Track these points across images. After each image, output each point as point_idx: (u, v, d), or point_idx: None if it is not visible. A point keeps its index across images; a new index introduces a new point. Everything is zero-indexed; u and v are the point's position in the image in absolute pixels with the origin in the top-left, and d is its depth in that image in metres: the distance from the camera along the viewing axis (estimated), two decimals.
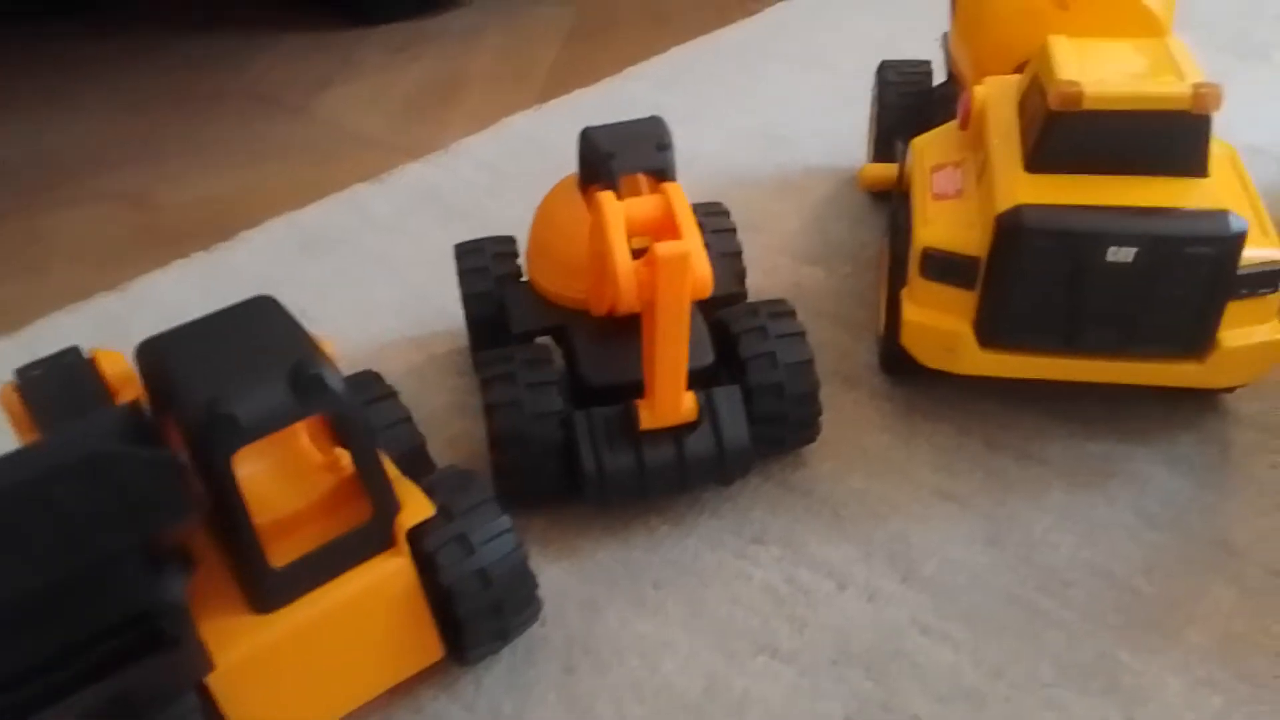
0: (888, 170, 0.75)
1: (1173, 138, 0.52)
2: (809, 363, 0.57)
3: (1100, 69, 0.54)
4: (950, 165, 0.62)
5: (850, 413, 0.65)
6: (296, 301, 0.84)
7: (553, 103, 1.08)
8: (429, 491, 0.46)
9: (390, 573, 0.44)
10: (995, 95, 0.61)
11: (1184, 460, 0.60)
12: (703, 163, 0.94)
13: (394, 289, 0.80)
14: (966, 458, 0.61)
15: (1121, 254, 0.52)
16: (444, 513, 0.46)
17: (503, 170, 0.96)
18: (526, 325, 0.61)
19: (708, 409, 0.55)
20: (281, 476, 0.45)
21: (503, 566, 0.46)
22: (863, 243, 0.81)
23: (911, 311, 0.59)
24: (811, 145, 0.96)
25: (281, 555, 0.43)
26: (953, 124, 0.64)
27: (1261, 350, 0.55)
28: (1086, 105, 0.52)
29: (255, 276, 0.83)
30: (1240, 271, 0.53)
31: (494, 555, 0.46)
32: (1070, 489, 0.59)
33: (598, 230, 0.51)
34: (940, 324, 0.58)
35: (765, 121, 1.01)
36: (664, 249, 0.47)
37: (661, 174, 0.56)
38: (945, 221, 0.58)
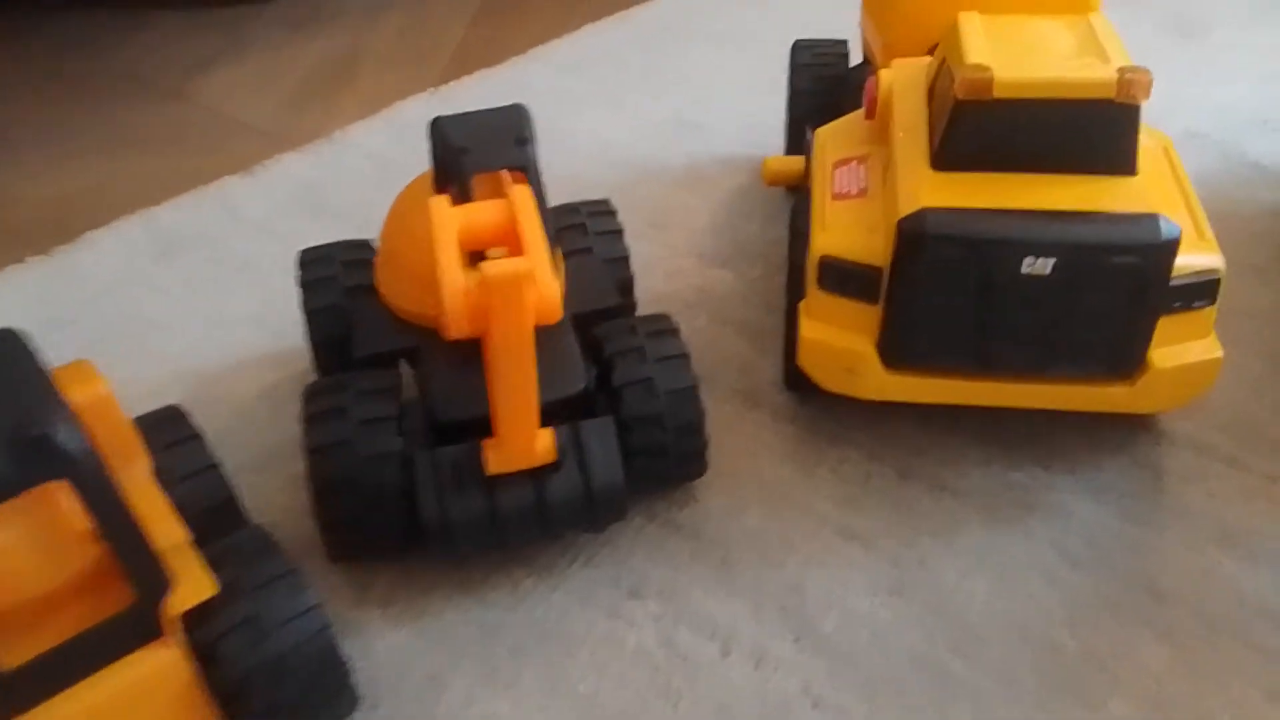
0: (793, 164, 0.67)
1: (1096, 131, 0.46)
2: (692, 389, 0.50)
3: (1016, 52, 0.47)
4: (854, 160, 0.55)
5: (749, 437, 0.58)
6: (144, 311, 0.75)
7: (451, 85, 0.99)
8: (217, 562, 0.39)
9: (156, 668, 0.36)
10: (903, 81, 0.54)
11: (1111, 489, 0.54)
12: (608, 153, 0.86)
13: (256, 297, 0.72)
14: (875, 490, 0.55)
15: (1038, 265, 0.45)
16: (230, 590, 0.38)
17: (390, 162, 0.87)
18: (371, 348, 0.52)
19: (573, 446, 0.48)
20: (28, 550, 0.37)
21: (305, 653, 0.38)
22: (775, 241, 0.74)
23: (809, 328, 0.52)
24: (728, 133, 0.89)
25: (16, 651, 0.35)
26: (859, 113, 0.57)
27: (1197, 370, 0.49)
28: (998, 94, 0.45)
29: (99, 284, 0.74)
30: (1173, 282, 0.47)
31: (293, 639, 0.38)
32: (987, 525, 0.53)
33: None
34: (840, 342, 0.51)
35: (679, 107, 0.93)
36: (495, 269, 0.39)
37: (523, 172, 0.49)
38: (845, 225, 0.51)
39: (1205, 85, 0.93)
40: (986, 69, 0.45)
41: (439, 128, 0.50)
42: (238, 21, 1.20)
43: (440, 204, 0.43)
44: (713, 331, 0.66)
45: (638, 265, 0.65)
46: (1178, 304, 0.48)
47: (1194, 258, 0.48)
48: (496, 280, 0.39)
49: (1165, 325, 0.48)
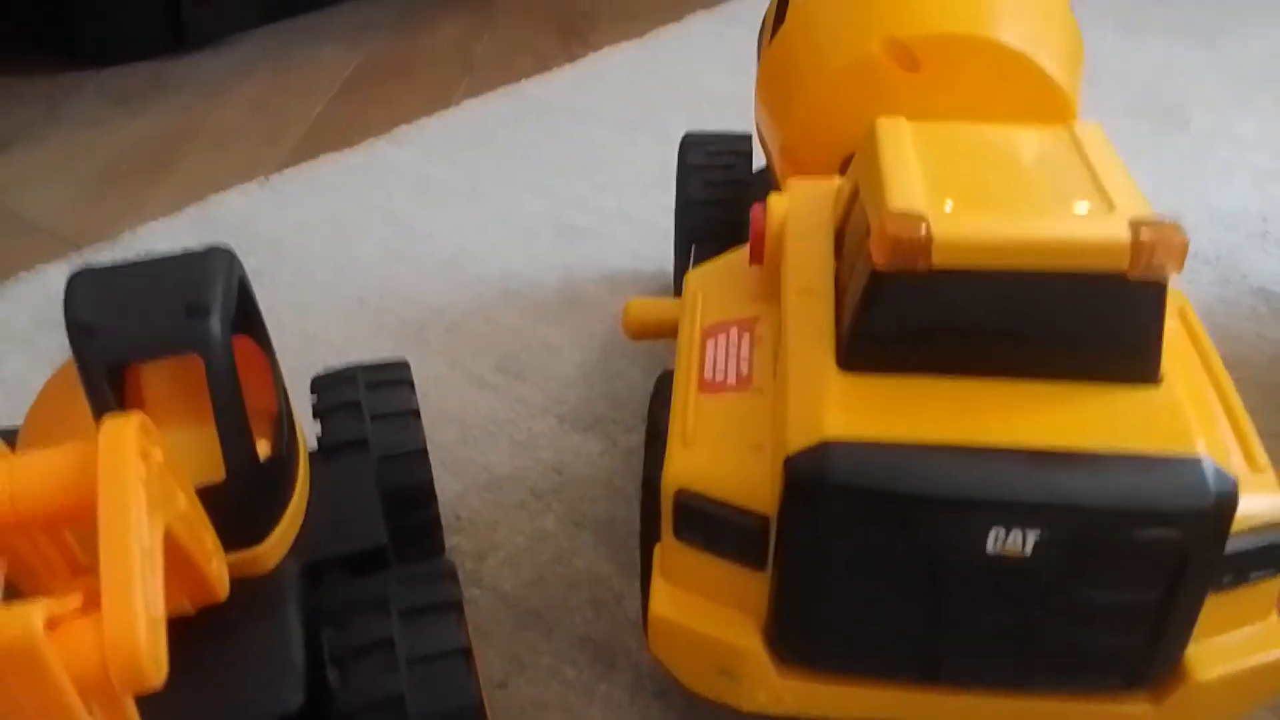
0: (667, 311, 0.49)
1: (1098, 321, 0.29)
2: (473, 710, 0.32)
3: (966, 186, 0.30)
4: (735, 326, 0.37)
5: None
6: None
7: (287, 173, 0.81)
8: None
9: None
10: (802, 213, 0.37)
11: None
12: (463, 265, 0.69)
13: None
14: None
15: (1012, 541, 0.28)
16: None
17: None
18: None
19: None
20: None
21: None
22: None
23: (662, 598, 0.33)
24: (616, 240, 0.71)
25: None
26: (745, 252, 0.39)
27: (1255, 677, 0.32)
28: (938, 261, 0.28)
29: None
30: (1228, 546, 0.30)
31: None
32: None
33: None
34: (709, 627, 0.32)
35: (561, 204, 0.76)
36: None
37: (203, 358, 0.31)
38: (716, 439, 0.33)
39: (1196, 185, 0.78)
40: (919, 220, 0.28)
41: (72, 293, 0.32)
42: (58, 92, 1.02)
43: None
44: (561, 540, 0.48)
45: (478, 428, 0.48)
46: (1229, 578, 0.31)
47: (1256, 501, 0.30)
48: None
49: (1212, 609, 0.31)
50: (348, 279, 0.68)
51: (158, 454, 0.26)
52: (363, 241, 0.72)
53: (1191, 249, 0.68)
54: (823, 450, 0.28)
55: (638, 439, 0.54)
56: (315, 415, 0.41)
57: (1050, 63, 0.40)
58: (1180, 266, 0.27)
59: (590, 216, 0.74)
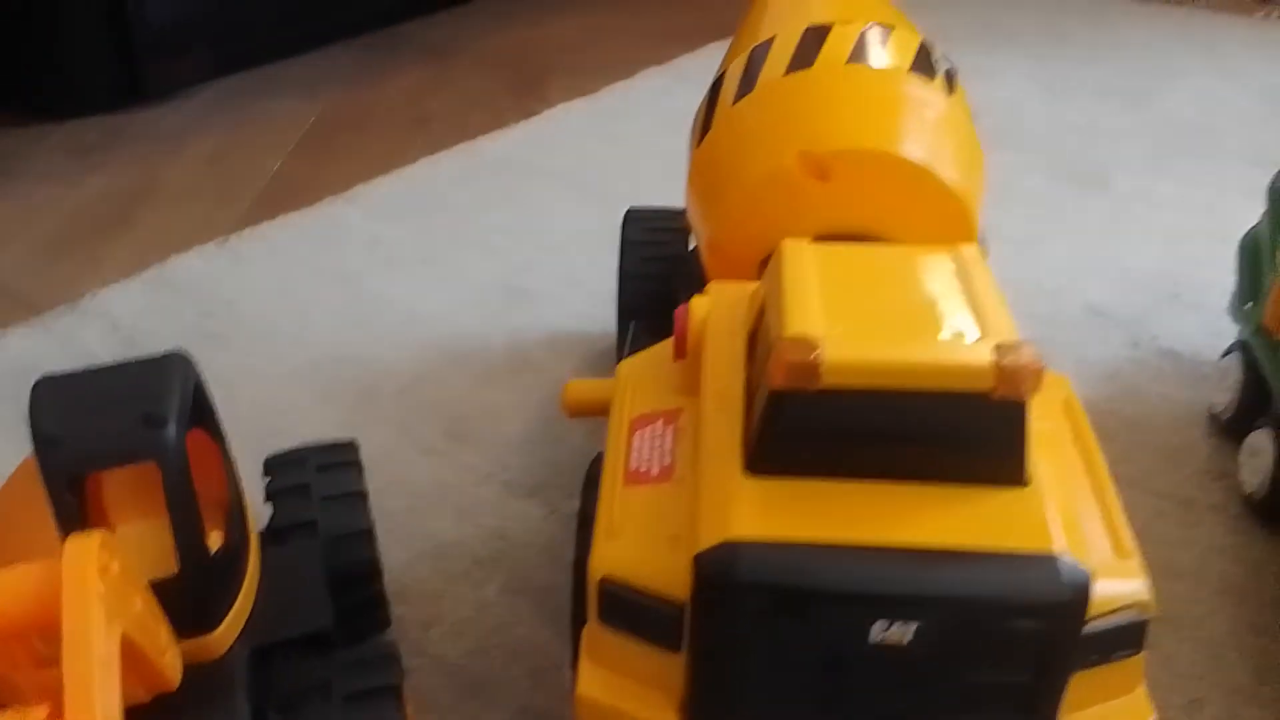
0: (603, 391, 0.53)
1: (968, 433, 0.32)
2: None
3: (859, 310, 0.33)
4: (660, 418, 0.40)
5: None
6: None
7: (245, 233, 0.83)
8: None
9: None
10: (722, 315, 0.40)
11: None
12: (414, 329, 0.71)
13: None
14: None
15: (893, 632, 0.31)
16: None
17: (141, 337, 0.71)
18: None
19: None
20: None
21: None
22: None
23: (588, 679, 0.36)
24: (565, 304, 0.74)
25: None
26: (669, 346, 0.43)
27: None
28: (827, 382, 0.31)
29: None
30: (1087, 630, 0.33)
31: None
32: None
33: None
34: (630, 705, 0.35)
35: (510, 267, 0.79)
36: None
37: (161, 467, 0.33)
38: (639, 530, 0.36)
39: (1113, 247, 0.82)
40: (812, 346, 0.31)
41: (36, 401, 0.34)
42: (17, 145, 1.03)
43: None
44: (503, 609, 0.50)
45: (425, 496, 0.50)
46: (1094, 657, 0.34)
47: (1113, 585, 0.34)
48: None
49: (1080, 684, 0.34)
50: (301, 343, 0.70)
51: (115, 566, 0.28)
52: (317, 304, 0.74)
53: (1104, 310, 0.75)
54: (727, 549, 0.32)
55: (578, 505, 0.57)
56: (267, 498, 0.43)
57: (950, 174, 0.43)
58: (1037, 388, 0.31)
59: (539, 279, 0.77)
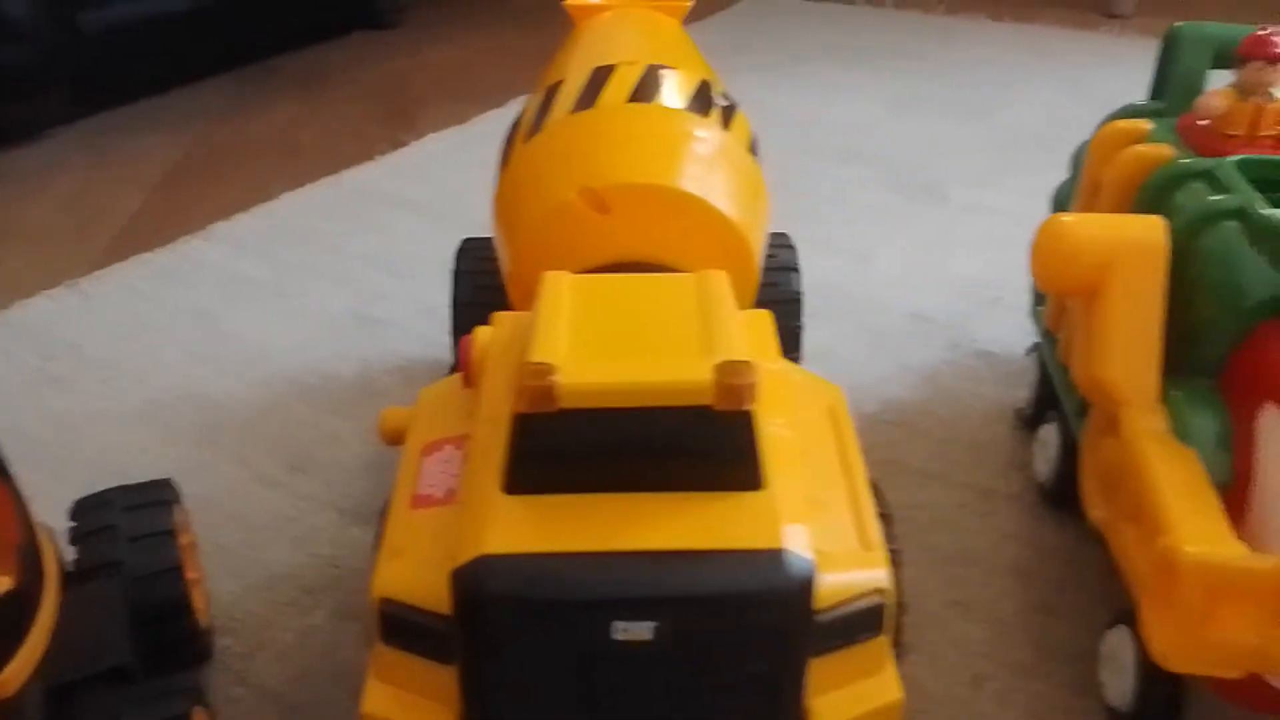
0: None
1: (700, 442, 0.35)
2: None
3: (601, 338, 0.36)
4: (450, 443, 0.42)
5: None
6: None
7: (96, 275, 0.83)
8: None
9: None
10: (504, 344, 0.43)
11: None
12: (265, 362, 0.72)
13: None
14: None
15: (634, 630, 0.34)
16: None
17: None
18: None
19: None
20: None
21: None
22: None
23: (373, 696, 0.38)
24: (414, 330, 0.76)
25: None
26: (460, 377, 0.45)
27: (876, 717, 0.39)
28: (564, 404, 0.34)
29: None
30: (821, 618, 0.36)
31: None
32: None
33: None
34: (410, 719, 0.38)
35: (363, 297, 0.80)
36: None
37: None
38: (419, 551, 0.38)
39: (943, 256, 0.87)
40: (548, 371, 0.34)
41: None
42: None
43: None
44: (328, 635, 0.51)
45: (262, 529, 0.51)
46: (835, 644, 0.37)
47: (849, 576, 0.37)
48: None
49: (822, 669, 0.37)
50: (148, 383, 0.70)
51: None
52: (167, 344, 0.74)
53: (928, 317, 0.79)
54: (481, 563, 0.34)
55: None
56: (71, 541, 0.44)
57: (724, 204, 0.47)
58: (754, 399, 0.34)
59: (391, 308, 0.78)
